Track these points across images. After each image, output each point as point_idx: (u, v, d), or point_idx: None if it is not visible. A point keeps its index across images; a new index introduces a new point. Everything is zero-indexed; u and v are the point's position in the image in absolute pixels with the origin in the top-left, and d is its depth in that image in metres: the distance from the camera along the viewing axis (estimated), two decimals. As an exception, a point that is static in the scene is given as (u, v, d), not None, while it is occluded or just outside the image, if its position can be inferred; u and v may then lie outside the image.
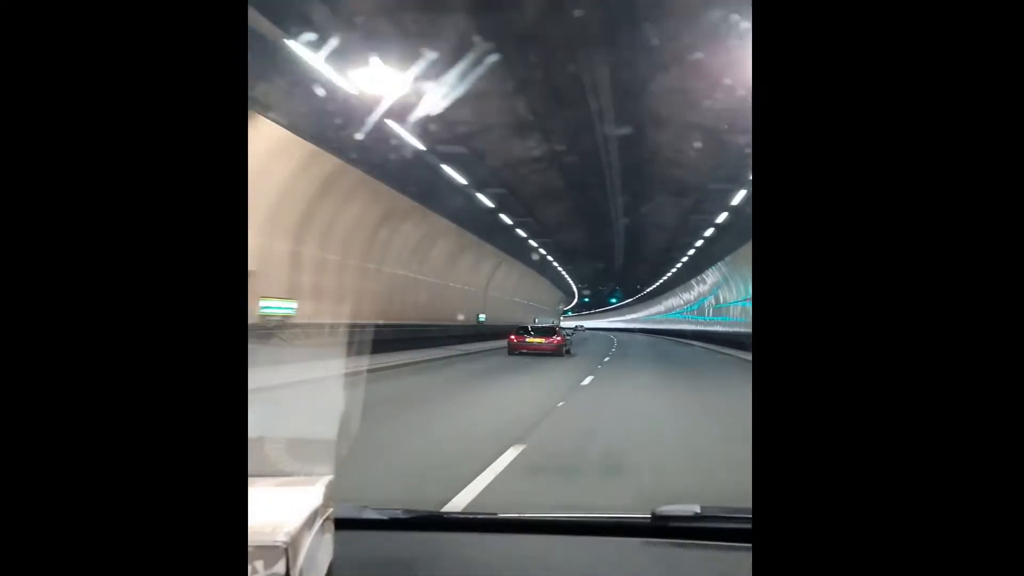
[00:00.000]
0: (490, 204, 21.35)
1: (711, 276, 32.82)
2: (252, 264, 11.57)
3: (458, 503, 3.53)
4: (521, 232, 27.08)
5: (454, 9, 10.21)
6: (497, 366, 15.65)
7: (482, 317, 29.61)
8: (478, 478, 4.16)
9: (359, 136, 13.76)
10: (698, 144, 14.76)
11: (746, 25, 8.83)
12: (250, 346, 0.66)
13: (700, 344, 29.88)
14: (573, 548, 1.08)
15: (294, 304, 13.22)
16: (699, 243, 26.78)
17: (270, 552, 0.71)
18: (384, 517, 1.13)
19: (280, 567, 0.71)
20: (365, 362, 11.99)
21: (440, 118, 13.94)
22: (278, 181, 12.51)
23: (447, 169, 16.55)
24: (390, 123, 14.35)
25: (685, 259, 33.53)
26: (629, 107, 13.59)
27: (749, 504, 1.03)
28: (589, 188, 21.89)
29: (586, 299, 78.18)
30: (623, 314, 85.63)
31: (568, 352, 20.87)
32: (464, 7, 10.19)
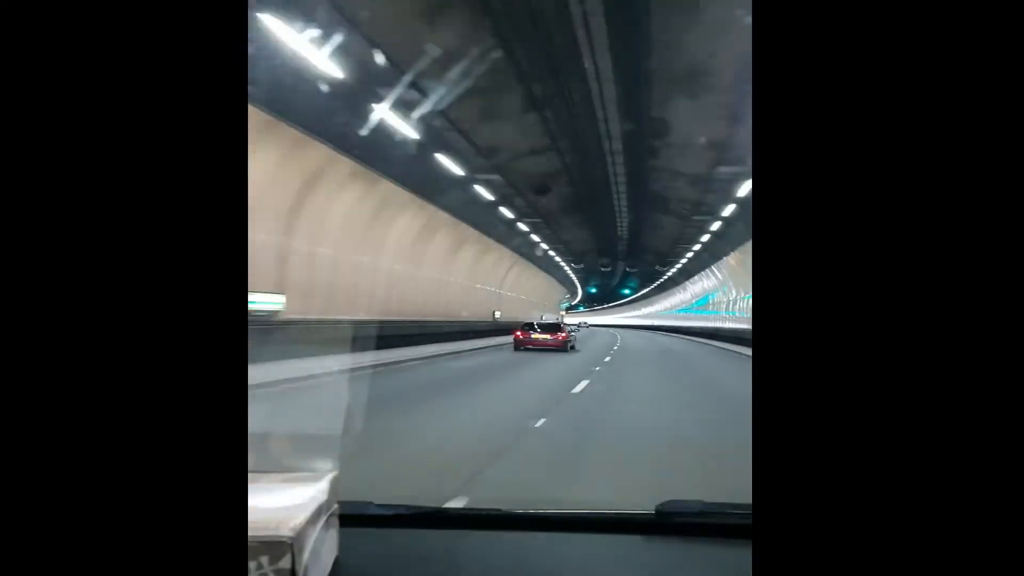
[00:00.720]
0: (510, 214, 23.67)
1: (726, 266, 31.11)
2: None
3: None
4: (523, 226, 27.40)
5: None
6: (522, 354, 18.13)
7: (498, 314, 31.27)
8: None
9: (416, 166, 15.10)
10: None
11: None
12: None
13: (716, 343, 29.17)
14: (577, 544, 1.08)
15: (283, 299, 12.77)
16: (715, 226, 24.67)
17: (275, 547, 0.71)
18: (388, 513, 1.14)
19: (285, 562, 0.71)
20: (431, 350, 16.17)
21: (480, 146, 16.12)
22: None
23: (479, 188, 19.82)
24: (440, 157, 15.58)
25: (698, 247, 31.23)
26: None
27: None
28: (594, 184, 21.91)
29: (592, 289, 77.80)
30: (627, 311, 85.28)
31: (572, 348, 21.28)
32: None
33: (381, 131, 12.88)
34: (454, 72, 11.85)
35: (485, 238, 26.22)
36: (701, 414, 7.78)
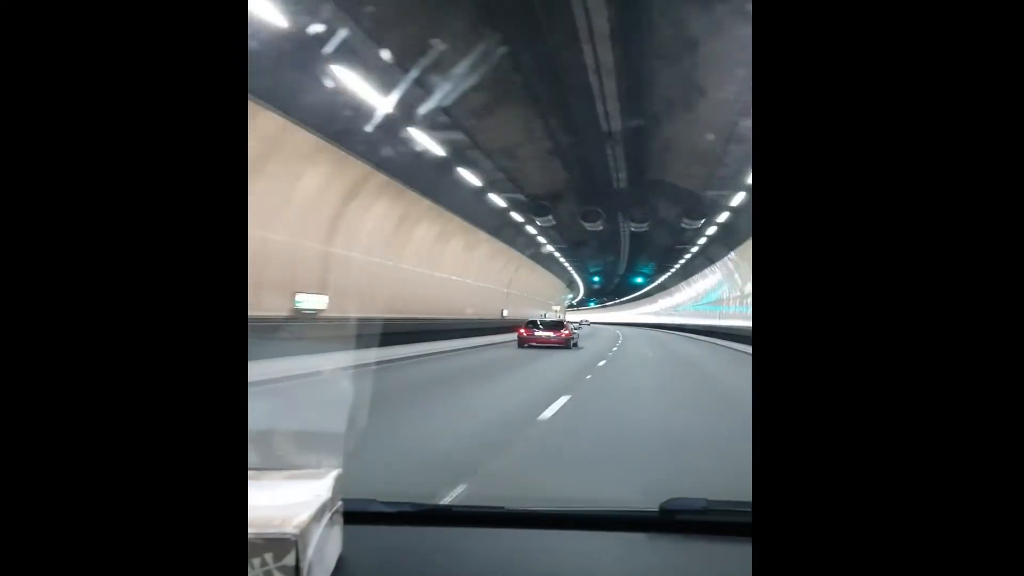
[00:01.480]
0: (520, 219, 24.82)
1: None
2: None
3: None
4: (531, 229, 28.01)
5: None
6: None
7: (506, 312, 33.05)
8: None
9: (440, 179, 16.37)
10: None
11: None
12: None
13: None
14: (581, 541, 1.08)
15: (326, 298, 14.41)
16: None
17: (280, 544, 0.72)
18: (392, 510, 1.14)
19: (290, 559, 0.72)
20: (450, 344, 18.24)
21: (490, 157, 16.92)
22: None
23: (494, 196, 21.19)
24: (462, 171, 16.86)
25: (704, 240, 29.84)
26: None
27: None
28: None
29: (595, 283, 77.44)
30: (632, 308, 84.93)
31: (575, 345, 21.35)
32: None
33: (410, 149, 14.27)
34: (478, 102, 12.52)
35: (494, 240, 27.46)
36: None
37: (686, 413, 7.78)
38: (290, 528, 0.73)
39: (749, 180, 16.12)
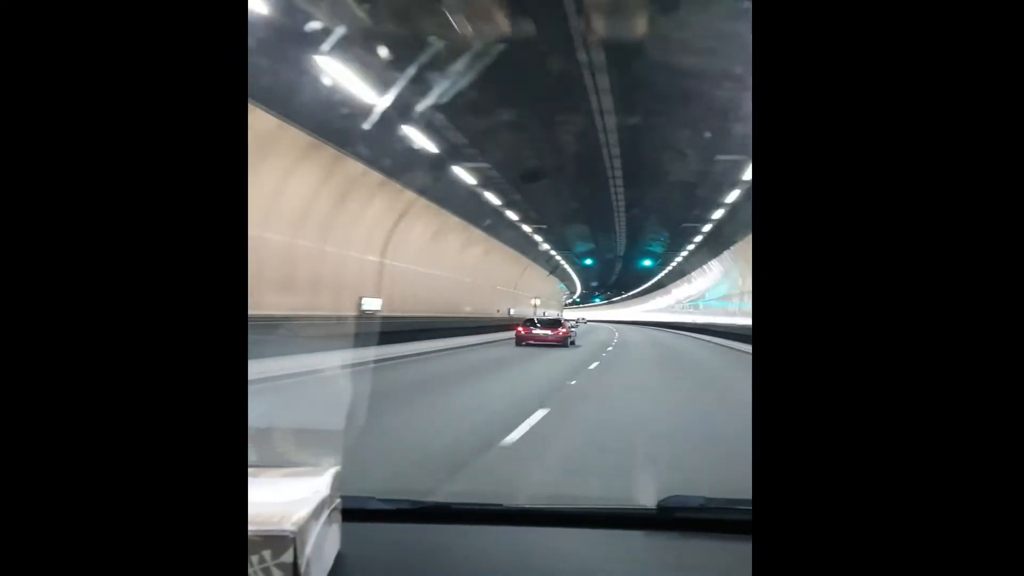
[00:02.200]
0: (529, 230, 27.31)
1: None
2: (353, 275, 17.24)
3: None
4: (527, 227, 28.93)
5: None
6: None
7: (512, 311, 35.81)
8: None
9: (469, 202, 19.35)
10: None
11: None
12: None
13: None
14: (579, 539, 1.09)
15: (379, 301, 18.47)
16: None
17: (278, 541, 0.72)
18: (391, 508, 1.14)
19: (288, 556, 0.72)
20: (472, 339, 21.45)
21: (495, 168, 18.52)
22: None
23: (509, 212, 24.26)
24: (487, 194, 19.93)
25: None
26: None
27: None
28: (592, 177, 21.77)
29: (593, 283, 77.31)
30: (629, 305, 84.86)
31: (572, 343, 21.44)
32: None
33: (450, 178, 18.45)
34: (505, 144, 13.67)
35: (505, 247, 30.60)
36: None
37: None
38: (288, 525, 0.73)
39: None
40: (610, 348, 22.56)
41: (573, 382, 10.65)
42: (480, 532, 1.11)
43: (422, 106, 13.25)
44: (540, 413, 6.83)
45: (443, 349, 17.92)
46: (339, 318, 15.48)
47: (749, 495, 1.10)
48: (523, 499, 1.20)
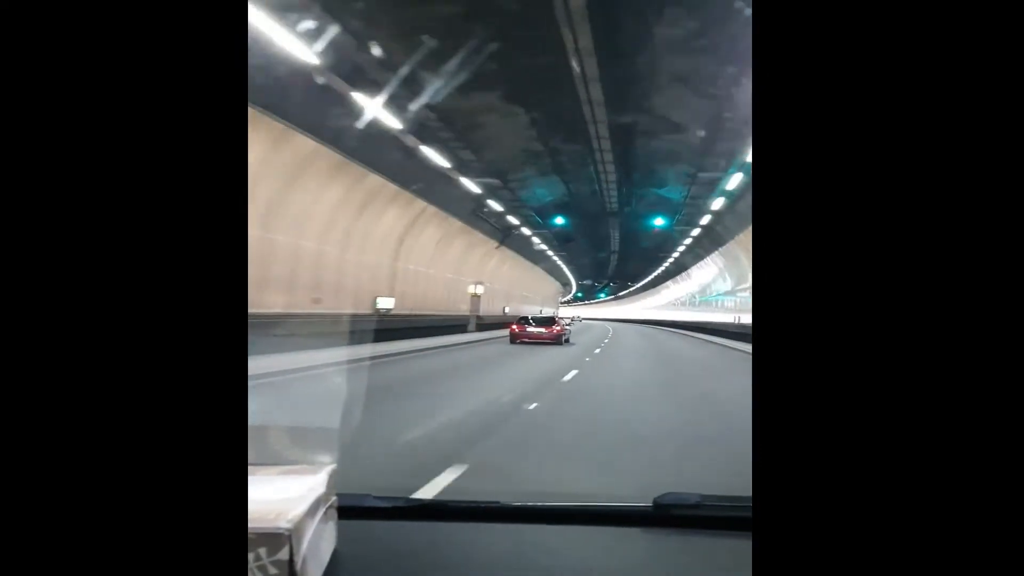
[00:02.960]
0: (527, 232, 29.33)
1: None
2: (370, 277, 19.42)
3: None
4: (526, 230, 30.87)
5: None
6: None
7: (508, 309, 37.34)
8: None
9: (473, 210, 21.92)
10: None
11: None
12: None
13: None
14: (575, 536, 1.09)
15: (393, 300, 20.74)
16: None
17: (273, 539, 0.71)
18: (387, 505, 1.14)
19: (283, 554, 0.71)
20: (474, 336, 23.80)
21: (494, 176, 20.36)
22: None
23: (522, 226, 27.40)
24: (492, 202, 22.50)
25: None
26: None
27: (750, 492, 1.04)
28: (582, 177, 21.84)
29: (587, 282, 77.25)
30: (624, 303, 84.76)
31: (567, 341, 21.61)
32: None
33: (463, 193, 21.08)
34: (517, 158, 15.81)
35: (505, 249, 32.44)
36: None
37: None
38: (284, 523, 0.73)
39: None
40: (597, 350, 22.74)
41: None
42: (476, 529, 1.11)
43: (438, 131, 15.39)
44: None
45: (448, 345, 19.39)
46: (358, 316, 17.51)
47: (737, 491, 1.11)
48: (520, 496, 1.20)
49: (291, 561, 0.72)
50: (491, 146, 19.13)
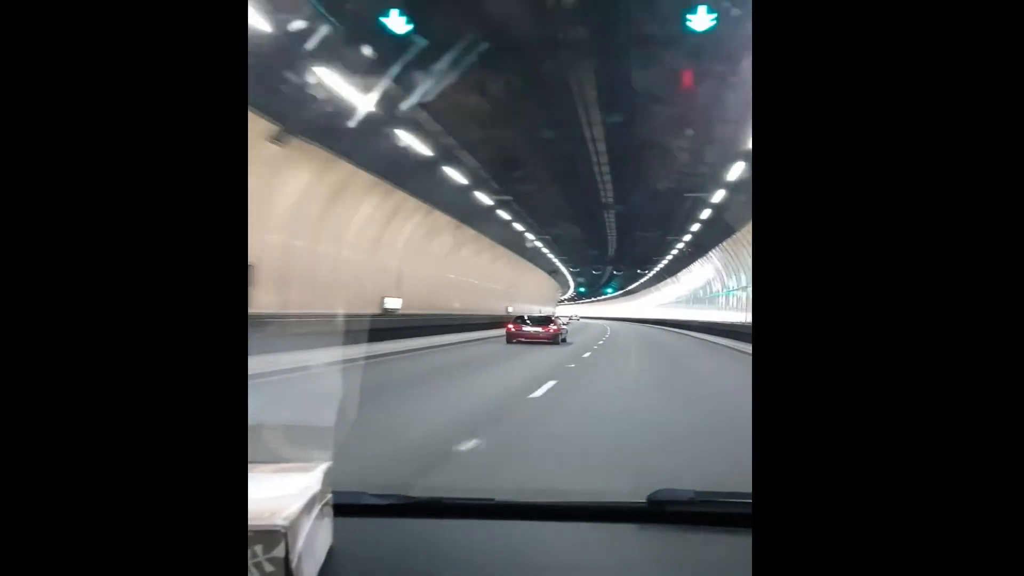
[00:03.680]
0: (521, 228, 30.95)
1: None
2: (386, 281, 21.27)
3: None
4: (518, 225, 31.51)
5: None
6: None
7: (511, 308, 38.71)
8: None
9: (485, 218, 24.77)
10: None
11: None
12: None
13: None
14: (570, 533, 1.09)
15: (400, 300, 22.23)
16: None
17: (269, 536, 0.71)
18: (382, 503, 1.14)
19: (279, 551, 0.71)
20: (477, 335, 23.98)
21: (497, 178, 21.31)
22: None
23: (527, 234, 29.60)
24: (501, 213, 24.40)
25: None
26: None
27: (744, 488, 1.04)
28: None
29: (581, 288, 77.16)
30: (623, 302, 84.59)
31: (564, 340, 21.59)
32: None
33: (474, 203, 23.06)
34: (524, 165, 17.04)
35: (504, 249, 34.58)
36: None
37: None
38: (279, 520, 0.73)
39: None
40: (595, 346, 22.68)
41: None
42: (471, 526, 1.11)
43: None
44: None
45: (454, 342, 19.89)
46: (368, 315, 18.55)
47: (734, 485, 1.12)
48: (515, 493, 1.20)
49: (287, 558, 0.72)
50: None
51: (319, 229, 16.08)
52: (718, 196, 21.86)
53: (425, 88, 12.50)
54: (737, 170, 18.40)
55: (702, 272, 36.91)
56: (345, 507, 1.00)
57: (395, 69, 11.46)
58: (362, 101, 12.54)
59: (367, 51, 11.00)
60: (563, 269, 55.69)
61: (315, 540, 0.83)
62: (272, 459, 0.96)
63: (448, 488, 1.30)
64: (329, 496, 0.93)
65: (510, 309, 37.14)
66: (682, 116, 15.12)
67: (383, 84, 12.00)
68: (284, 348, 8.77)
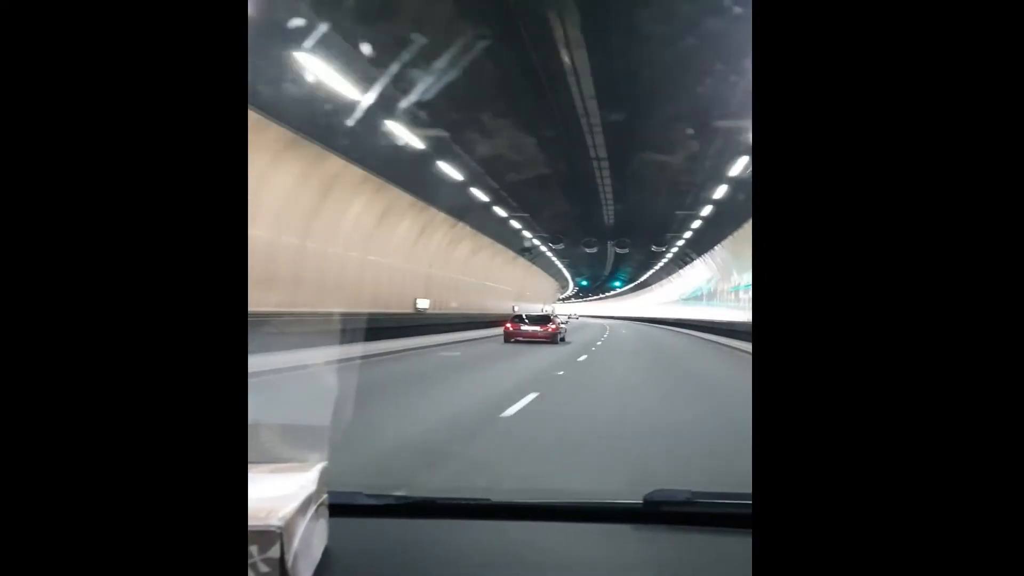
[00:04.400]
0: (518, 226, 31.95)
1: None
2: (410, 283, 23.70)
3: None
4: (516, 223, 32.00)
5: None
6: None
7: (516, 308, 39.42)
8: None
9: (501, 226, 26.98)
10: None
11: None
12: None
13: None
14: (566, 533, 1.09)
15: (428, 301, 24.98)
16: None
17: (265, 536, 0.71)
18: (378, 503, 1.14)
19: (275, 552, 0.71)
20: (488, 332, 25.91)
21: (498, 180, 21.31)
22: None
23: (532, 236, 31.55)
24: (513, 223, 27.07)
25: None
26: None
27: (740, 489, 1.04)
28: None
29: (583, 283, 76.94)
30: (623, 300, 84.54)
31: (562, 340, 21.49)
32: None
33: (486, 212, 24.79)
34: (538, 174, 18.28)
35: (508, 251, 36.24)
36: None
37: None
38: (275, 520, 0.73)
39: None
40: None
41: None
42: (467, 526, 1.11)
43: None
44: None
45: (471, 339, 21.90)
46: (402, 314, 21.75)
47: (725, 487, 1.12)
48: (510, 494, 1.20)
49: (282, 559, 0.72)
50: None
51: (368, 241, 19.59)
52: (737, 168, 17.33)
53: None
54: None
55: (723, 257, 32.91)
56: (340, 507, 1.00)
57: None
58: (411, 139, 14.72)
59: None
60: (565, 272, 55.81)
61: (311, 540, 0.83)
62: (269, 459, 0.96)
63: (444, 488, 1.30)
64: (325, 496, 0.93)
65: (516, 308, 38.02)
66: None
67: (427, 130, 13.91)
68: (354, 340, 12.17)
